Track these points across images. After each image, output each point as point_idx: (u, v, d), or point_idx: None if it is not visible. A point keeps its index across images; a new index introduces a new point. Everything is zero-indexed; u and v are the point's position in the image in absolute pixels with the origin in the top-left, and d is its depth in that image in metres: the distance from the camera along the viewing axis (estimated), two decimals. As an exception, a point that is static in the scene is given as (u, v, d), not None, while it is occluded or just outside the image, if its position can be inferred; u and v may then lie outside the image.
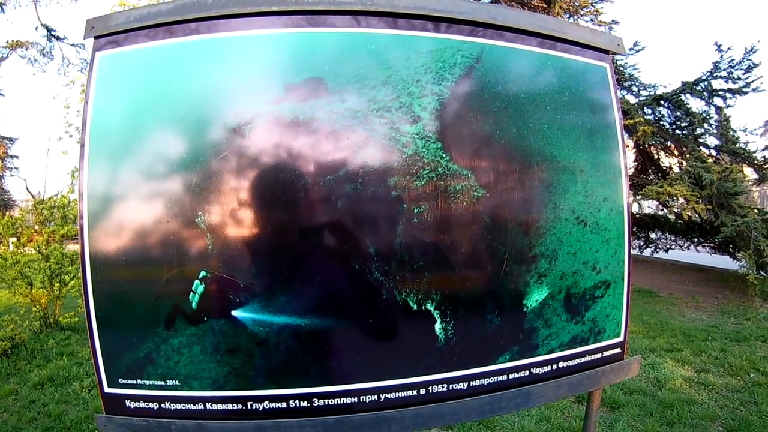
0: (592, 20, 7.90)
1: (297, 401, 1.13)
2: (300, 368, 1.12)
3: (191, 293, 1.08)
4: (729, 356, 3.38)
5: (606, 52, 1.38)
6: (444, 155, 1.13)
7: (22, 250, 5.01)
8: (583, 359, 1.30)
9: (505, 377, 1.21)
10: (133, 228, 1.09)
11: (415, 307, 1.12)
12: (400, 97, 1.12)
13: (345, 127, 1.09)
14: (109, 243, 1.10)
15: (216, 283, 1.07)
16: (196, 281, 1.08)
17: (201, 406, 1.13)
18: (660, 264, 8.27)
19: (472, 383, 1.19)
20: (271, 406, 1.13)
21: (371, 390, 1.14)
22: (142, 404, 1.15)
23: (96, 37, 1.17)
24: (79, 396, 3.48)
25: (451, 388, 1.18)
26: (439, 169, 1.13)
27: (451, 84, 1.15)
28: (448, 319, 1.14)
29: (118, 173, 1.10)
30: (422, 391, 1.16)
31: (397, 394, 1.15)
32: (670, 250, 8.18)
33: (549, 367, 1.26)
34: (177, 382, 1.12)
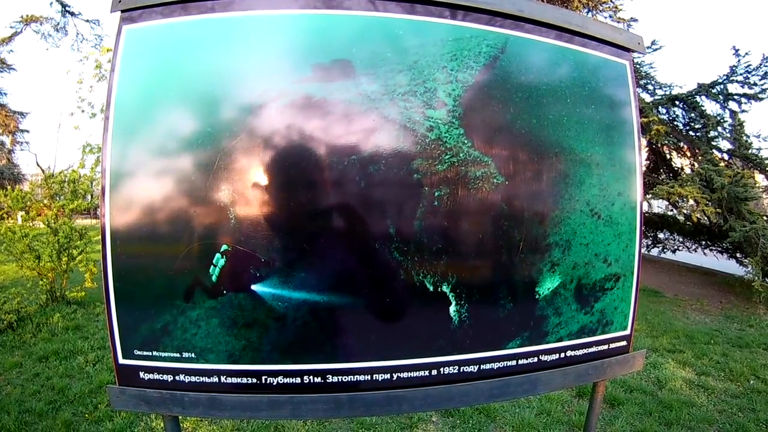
0: (611, 16, 8.01)
1: (311, 377, 1.21)
2: (315, 344, 1.20)
3: (212, 266, 1.16)
4: (730, 361, 3.54)
5: (627, 50, 1.47)
6: (466, 141, 1.21)
7: (31, 224, 5.12)
8: (590, 350, 1.41)
9: (514, 362, 1.31)
10: (156, 202, 1.16)
11: (431, 289, 1.21)
12: (426, 83, 1.20)
13: (370, 109, 1.17)
14: (131, 216, 1.17)
15: (237, 257, 1.15)
16: (218, 254, 1.15)
17: (215, 379, 1.22)
18: (667, 264, 8.49)
19: (482, 367, 1.29)
20: (285, 381, 1.21)
21: (384, 369, 1.23)
22: (156, 376, 1.23)
23: (123, 11, 1.22)
24: (83, 370, 3.57)
25: (461, 370, 1.27)
26: (461, 155, 1.21)
27: (476, 72, 1.23)
28: (462, 302, 1.23)
29: (142, 147, 1.17)
30: (433, 372, 1.26)
31: (409, 374, 1.24)
32: (677, 251, 8.38)
33: (557, 355, 1.36)
34: (193, 355, 1.20)
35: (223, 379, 1.22)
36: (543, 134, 1.29)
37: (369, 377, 1.23)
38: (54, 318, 4.76)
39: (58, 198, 5.29)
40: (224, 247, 1.15)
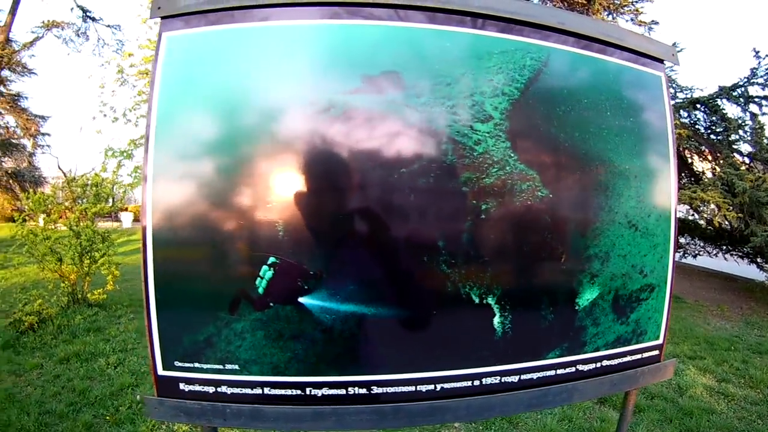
0: (632, 20, 8.10)
1: (356, 388, 1.24)
2: (361, 356, 1.23)
3: (258, 278, 1.17)
4: (750, 368, 3.65)
5: (661, 61, 1.52)
6: (512, 154, 1.25)
7: (53, 227, 5.20)
8: (625, 359, 1.46)
9: (553, 372, 1.35)
10: (200, 212, 1.17)
11: (476, 301, 1.24)
12: (474, 96, 1.23)
13: (420, 121, 1.19)
14: (174, 226, 1.17)
15: (285, 270, 1.17)
16: (265, 267, 1.17)
17: (258, 391, 1.23)
18: (687, 269, 8.69)
19: (522, 377, 1.33)
20: (329, 393, 1.23)
21: (428, 380, 1.26)
22: (197, 387, 1.24)
23: (162, 17, 1.23)
24: (104, 372, 3.56)
25: (502, 380, 1.31)
26: (507, 168, 1.24)
27: (520, 85, 1.27)
28: (506, 314, 1.27)
29: (185, 155, 1.17)
30: (476, 383, 1.29)
31: (453, 385, 1.28)
32: (698, 256, 8.53)
33: (594, 365, 1.41)
34: (236, 367, 1.22)
35: (266, 390, 1.23)
36: (585, 147, 1.33)
37: (413, 388, 1.26)
38: (75, 320, 4.82)
39: (80, 201, 5.41)
40: (272, 259, 1.17)
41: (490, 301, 1.26)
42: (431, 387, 1.27)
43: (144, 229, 1.18)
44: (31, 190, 5.47)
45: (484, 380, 1.30)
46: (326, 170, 1.17)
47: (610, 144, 1.37)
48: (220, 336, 1.20)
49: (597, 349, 1.40)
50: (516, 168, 1.25)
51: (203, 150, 1.17)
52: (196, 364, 1.23)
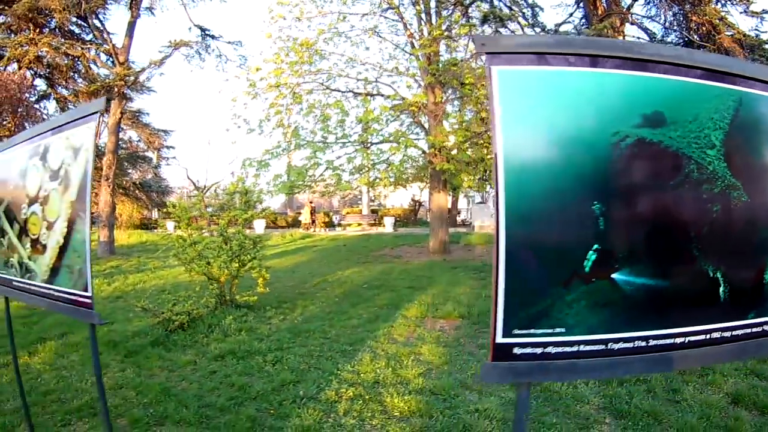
0: (744, 11, 8.94)
1: (638, 342, 1.71)
2: (644, 316, 1.70)
3: (586, 261, 1.62)
4: None
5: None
6: (728, 171, 1.83)
7: (191, 233, 5.32)
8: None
9: (749, 330, 1.92)
10: (546, 216, 1.61)
11: (711, 275, 1.78)
12: (704, 130, 1.80)
13: (677, 147, 1.73)
14: (520, 228, 1.59)
15: (604, 254, 1.63)
16: (591, 252, 1.62)
17: (575, 348, 1.66)
18: None
19: (732, 333, 1.88)
20: (621, 346, 1.69)
21: (680, 334, 1.77)
22: (528, 350, 1.64)
23: (487, 53, 1.66)
24: (262, 369, 3.63)
25: (721, 335, 1.85)
26: (725, 181, 1.82)
27: (728, 120, 1.86)
28: (726, 284, 1.82)
29: (529, 171, 1.61)
30: (707, 336, 1.82)
31: (694, 338, 1.79)
32: None
33: None
34: (563, 330, 1.64)
35: (581, 348, 1.66)
36: None
37: (674, 341, 1.75)
38: (226, 320, 4.97)
39: (226, 209, 5.74)
40: (595, 246, 1.63)
41: (718, 275, 1.80)
42: (682, 340, 1.77)
43: (497, 232, 1.58)
44: (174, 199, 5.76)
45: (711, 335, 1.83)
46: (624, 183, 1.67)
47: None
48: (553, 307, 1.62)
49: (768, 310, 2.00)
50: (730, 181, 1.83)
51: (542, 166, 1.62)
52: (531, 330, 1.63)
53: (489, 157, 13.74)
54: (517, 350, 1.63)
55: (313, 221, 26.90)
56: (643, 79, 1.74)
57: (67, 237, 2.28)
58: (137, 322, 5.56)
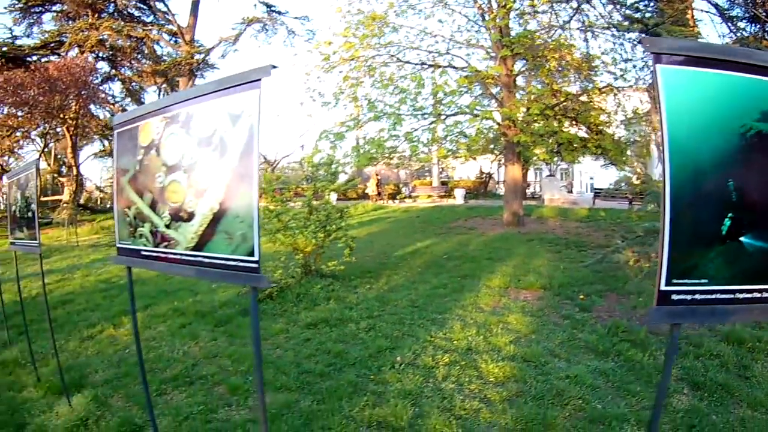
0: None
1: (755, 293, 2.17)
2: (762, 272, 2.17)
3: (722, 226, 2.06)
4: None
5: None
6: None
7: (284, 205, 5.26)
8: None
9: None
10: (696, 187, 2.04)
11: (800, 242, 2.29)
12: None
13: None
14: (681, 197, 2.01)
15: (737, 220, 2.08)
16: (726, 219, 2.07)
17: (714, 296, 2.09)
18: None
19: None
20: (745, 296, 2.14)
21: (780, 289, 2.25)
22: (681, 297, 2.05)
23: (653, 53, 2.09)
24: (357, 336, 3.72)
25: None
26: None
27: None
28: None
29: (685, 153, 2.04)
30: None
31: (788, 292, 2.28)
32: None
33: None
34: (706, 281, 2.06)
35: (717, 296, 2.09)
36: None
37: (777, 293, 2.23)
38: (314, 289, 5.06)
39: (309, 181, 5.78)
40: (730, 214, 2.07)
41: (803, 242, 2.31)
42: (782, 293, 2.25)
43: (663, 204, 1.99)
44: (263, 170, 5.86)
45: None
46: (750, 165, 2.14)
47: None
48: (700, 262, 2.05)
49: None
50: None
51: (700, 152, 2.05)
52: (684, 280, 2.04)
53: (564, 129, 14.04)
54: (674, 296, 2.04)
55: (379, 193, 26.55)
56: (761, 82, 2.23)
57: (225, 204, 2.39)
58: (221, 293, 5.61)
